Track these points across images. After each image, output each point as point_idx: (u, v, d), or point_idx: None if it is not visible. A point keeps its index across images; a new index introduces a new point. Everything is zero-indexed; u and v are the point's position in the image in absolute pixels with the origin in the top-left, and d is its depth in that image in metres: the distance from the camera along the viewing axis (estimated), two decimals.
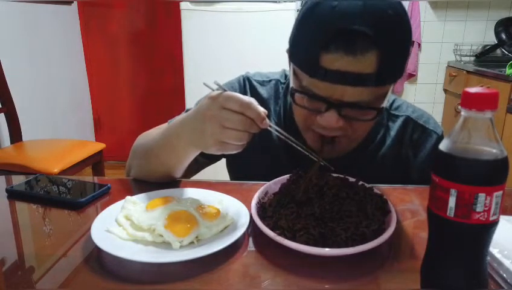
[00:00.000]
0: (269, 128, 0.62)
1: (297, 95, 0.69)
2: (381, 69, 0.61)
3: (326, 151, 0.72)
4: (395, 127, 0.82)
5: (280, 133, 0.65)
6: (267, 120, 0.61)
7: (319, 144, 0.72)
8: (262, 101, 0.84)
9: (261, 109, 0.60)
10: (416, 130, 0.81)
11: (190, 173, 0.91)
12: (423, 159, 0.81)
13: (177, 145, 0.70)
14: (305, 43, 0.65)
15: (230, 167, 0.98)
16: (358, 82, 0.61)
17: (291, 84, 0.71)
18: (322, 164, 0.67)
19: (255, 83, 0.87)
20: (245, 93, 0.85)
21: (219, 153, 0.64)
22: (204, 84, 0.64)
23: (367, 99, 0.64)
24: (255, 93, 0.86)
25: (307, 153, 0.66)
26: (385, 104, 0.67)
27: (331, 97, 0.64)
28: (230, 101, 0.59)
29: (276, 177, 0.73)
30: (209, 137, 0.61)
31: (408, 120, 0.82)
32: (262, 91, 0.86)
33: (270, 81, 0.88)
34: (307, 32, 0.66)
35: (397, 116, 0.82)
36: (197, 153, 0.71)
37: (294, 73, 0.69)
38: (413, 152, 0.82)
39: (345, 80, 0.61)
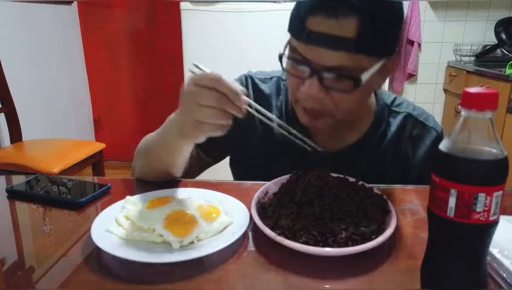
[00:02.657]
0: (250, 109, 0.62)
1: (286, 62, 0.72)
2: (361, 35, 0.63)
3: (313, 126, 0.75)
4: (395, 122, 0.83)
5: (263, 114, 0.65)
6: (245, 98, 0.61)
7: (306, 119, 0.74)
8: (264, 97, 0.86)
9: (236, 86, 0.61)
10: (416, 126, 0.83)
11: (194, 173, 0.92)
12: (422, 155, 0.82)
13: (167, 139, 0.72)
14: (296, 9, 0.69)
15: (233, 166, 0.98)
16: (339, 46, 0.64)
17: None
18: (310, 146, 0.67)
19: (257, 80, 0.89)
20: (247, 90, 0.86)
21: (200, 135, 0.64)
22: (190, 70, 0.66)
23: (347, 66, 0.65)
24: (257, 90, 0.88)
25: (294, 138, 0.66)
26: (365, 78, 0.67)
27: (314, 61, 0.67)
28: (202, 78, 0.60)
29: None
30: (187, 117, 0.62)
31: (408, 117, 0.83)
32: (264, 87, 0.88)
33: (271, 78, 0.90)
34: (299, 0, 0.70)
35: (398, 113, 0.84)
36: (188, 144, 0.71)
37: (289, 43, 0.72)
38: (412, 148, 0.83)
39: (327, 43, 0.64)
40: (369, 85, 0.71)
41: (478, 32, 2.86)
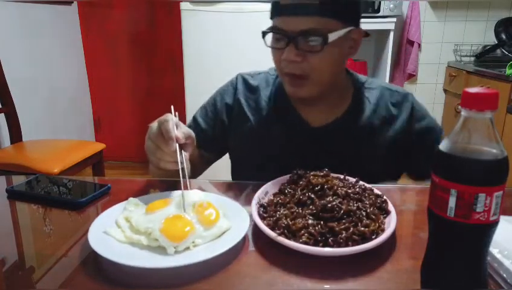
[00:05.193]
0: (176, 152, 0.70)
1: (267, 37, 0.85)
2: (323, 1, 0.77)
3: (298, 95, 0.86)
4: (373, 96, 0.93)
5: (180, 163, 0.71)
6: (176, 144, 0.69)
7: (292, 88, 0.85)
8: (253, 89, 0.97)
9: (174, 132, 0.69)
10: (393, 95, 0.93)
11: (199, 169, 1.01)
12: (405, 118, 0.91)
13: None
14: None
15: (233, 169, 1.03)
16: (305, 11, 0.77)
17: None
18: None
19: (246, 76, 1.00)
20: (236, 85, 0.98)
21: (153, 164, 0.75)
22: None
23: (316, 28, 0.78)
24: (246, 84, 0.98)
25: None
26: (332, 37, 0.79)
27: (288, 29, 0.79)
28: (160, 119, 0.72)
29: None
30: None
31: (384, 89, 0.94)
32: (253, 81, 0.99)
33: (260, 73, 1.01)
34: None
35: (373, 88, 0.94)
36: (160, 171, 0.77)
37: (271, 27, 0.84)
38: (396, 111, 0.91)
39: (295, 10, 0.78)
40: (339, 52, 0.82)
41: (478, 32, 2.86)
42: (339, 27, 0.79)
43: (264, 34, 0.85)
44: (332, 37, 0.78)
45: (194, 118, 1.01)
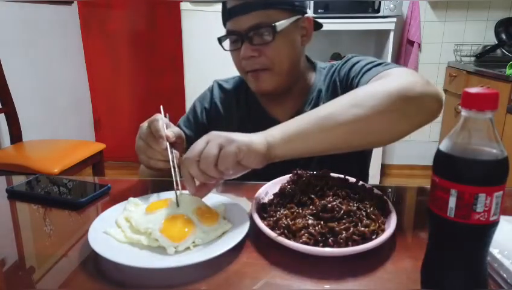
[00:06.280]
0: (166, 150, 0.70)
1: (224, 42, 0.90)
2: None
3: (261, 86, 0.88)
4: (321, 77, 0.96)
5: (171, 161, 0.70)
6: (166, 143, 0.70)
7: (255, 84, 0.89)
8: (227, 91, 1.03)
9: (164, 131, 0.70)
10: (336, 65, 0.95)
11: None
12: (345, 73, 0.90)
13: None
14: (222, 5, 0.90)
15: None
16: (250, 8, 0.82)
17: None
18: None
19: (221, 82, 1.06)
20: (212, 91, 1.04)
21: (144, 164, 0.76)
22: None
23: (264, 21, 0.82)
24: (221, 88, 1.04)
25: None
26: (280, 26, 0.83)
27: (240, 29, 0.84)
28: (151, 119, 0.73)
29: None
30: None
31: (330, 67, 0.96)
32: (227, 85, 1.05)
33: (234, 78, 1.06)
34: None
35: (324, 68, 0.97)
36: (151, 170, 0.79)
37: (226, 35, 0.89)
38: (338, 74, 0.92)
39: (241, 10, 0.83)
40: (292, 40, 0.86)
41: (478, 32, 2.86)
42: (286, 17, 0.83)
43: (220, 40, 0.90)
44: (281, 26, 0.82)
45: (178, 126, 1.03)
